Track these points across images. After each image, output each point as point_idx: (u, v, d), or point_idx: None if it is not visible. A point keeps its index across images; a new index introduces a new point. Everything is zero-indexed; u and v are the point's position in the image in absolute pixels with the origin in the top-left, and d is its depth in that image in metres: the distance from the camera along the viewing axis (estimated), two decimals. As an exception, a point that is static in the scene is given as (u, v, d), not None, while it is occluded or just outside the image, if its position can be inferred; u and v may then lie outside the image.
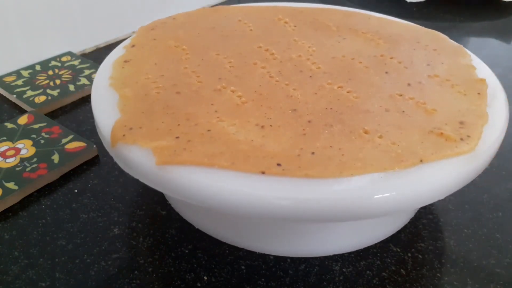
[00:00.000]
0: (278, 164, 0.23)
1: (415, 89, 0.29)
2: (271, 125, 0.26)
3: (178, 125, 0.25)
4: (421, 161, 0.23)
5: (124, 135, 0.25)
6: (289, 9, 0.40)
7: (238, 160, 0.23)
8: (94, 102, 0.28)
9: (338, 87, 0.29)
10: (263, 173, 0.23)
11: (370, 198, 0.22)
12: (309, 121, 0.26)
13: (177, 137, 0.24)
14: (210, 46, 0.34)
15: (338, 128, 0.26)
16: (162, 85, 0.29)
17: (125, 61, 0.31)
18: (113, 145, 0.25)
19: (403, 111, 0.27)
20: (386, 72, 0.31)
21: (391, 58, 0.33)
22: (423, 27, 0.38)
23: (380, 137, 0.25)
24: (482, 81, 0.30)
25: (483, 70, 0.32)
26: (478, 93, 0.29)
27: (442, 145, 0.25)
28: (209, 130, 0.25)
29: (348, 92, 0.29)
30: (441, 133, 0.25)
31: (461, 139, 0.25)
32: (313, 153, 0.24)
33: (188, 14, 0.38)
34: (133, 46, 0.33)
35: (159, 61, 0.31)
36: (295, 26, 0.37)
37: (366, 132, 0.25)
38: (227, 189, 0.22)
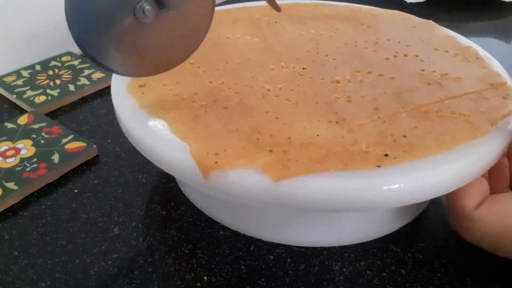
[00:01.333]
0: (386, 155, 0.23)
1: (430, 64, 0.32)
2: (344, 119, 0.26)
3: (257, 139, 0.25)
4: (491, 125, 0.26)
5: (216, 162, 0.23)
6: (261, 8, 0.40)
7: (348, 159, 0.23)
8: (145, 138, 0.26)
9: (368, 73, 0.31)
10: (378, 166, 0.23)
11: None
12: (376, 108, 0.27)
13: (271, 151, 0.24)
14: (212, 56, 0.33)
15: (411, 110, 0.27)
16: (204, 103, 0.28)
17: (140, 86, 0.29)
18: (206, 176, 0.23)
19: (440, 83, 0.29)
20: (396, 53, 0.33)
21: (388, 40, 0.35)
22: (375, 8, 0.41)
23: (451, 112, 0.27)
24: (469, 48, 0.34)
25: (461, 38, 0.36)
26: (477, 58, 0.33)
27: (494, 108, 0.27)
28: (289, 138, 0.25)
29: (380, 76, 0.30)
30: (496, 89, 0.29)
31: (504, 98, 0.28)
32: (404, 136, 0.25)
33: None
34: None
35: (179, 79, 0.30)
36: (275, 22, 0.38)
37: (437, 111, 0.27)
38: (367, 189, 0.22)
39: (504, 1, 0.69)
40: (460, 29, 0.37)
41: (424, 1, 0.67)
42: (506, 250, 0.26)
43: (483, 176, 0.26)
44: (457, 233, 0.28)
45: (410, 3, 0.67)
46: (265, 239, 0.30)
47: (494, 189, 0.27)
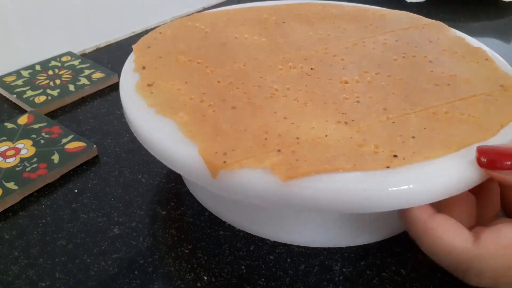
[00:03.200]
0: (395, 156, 0.23)
1: (439, 64, 0.32)
2: (352, 120, 0.26)
3: (266, 139, 0.24)
4: (501, 126, 0.25)
5: (225, 162, 0.23)
6: (269, 8, 0.40)
7: (357, 160, 0.23)
8: (153, 137, 0.26)
9: (377, 74, 0.31)
10: (387, 167, 0.23)
11: None
12: (384, 109, 0.27)
13: (279, 151, 0.24)
14: (220, 55, 0.33)
15: (420, 111, 0.27)
16: (212, 102, 0.28)
17: (149, 85, 0.29)
18: (215, 175, 0.23)
19: (448, 84, 0.29)
20: (404, 53, 0.33)
21: (396, 41, 0.35)
22: (383, 8, 0.40)
23: (460, 113, 0.27)
24: (479, 49, 0.33)
25: (470, 40, 0.36)
26: (486, 59, 0.32)
27: (504, 109, 0.27)
28: (298, 138, 0.25)
29: (389, 76, 0.30)
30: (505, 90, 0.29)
31: None
32: (413, 137, 0.25)
33: (171, 26, 0.37)
34: (143, 68, 0.31)
35: (188, 79, 0.30)
36: (283, 22, 0.38)
37: (446, 112, 0.27)
38: (376, 190, 0.22)
39: (504, 1, 0.69)
40: (460, 29, 0.37)
41: (423, 1, 0.67)
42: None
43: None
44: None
45: (410, 3, 0.67)
46: (271, 239, 0.30)
47: (482, 217, 0.26)
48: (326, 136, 0.25)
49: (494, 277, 0.23)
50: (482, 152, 0.23)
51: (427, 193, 0.23)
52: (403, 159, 0.23)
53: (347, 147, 0.24)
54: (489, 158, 0.23)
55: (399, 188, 0.22)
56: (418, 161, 0.23)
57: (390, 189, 0.22)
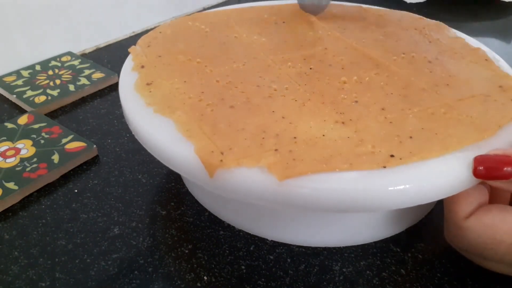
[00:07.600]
0: (392, 156, 0.23)
1: (438, 65, 0.32)
2: (350, 119, 0.26)
3: (263, 138, 0.25)
4: (499, 126, 0.25)
5: (221, 161, 0.23)
6: (269, 8, 0.40)
7: (354, 160, 0.23)
8: (151, 136, 0.26)
9: (375, 74, 0.30)
10: (384, 167, 0.23)
11: None
12: (382, 109, 0.27)
13: (276, 150, 0.24)
14: (220, 55, 0.33)
15: (418, 111, 0.27)
16: (210, 102, 0.28)
17: (148, 84, 0.29)
18: (212, 174, 0.23)
19: (447, 85, 0.29)
20: (403, 54, 0.33)
21: (396, 41, 0.35)
22: (383, 8, 0.41)
23: (458, 113, 0.27)
24: (478, 49, 0.34)
25: (470, 40, 0.36)
26: (485, 60, 0.32)
27: (502, 110, 0.27)
28: (295, 137, 0.25)
29: (387, 77, 0.30)
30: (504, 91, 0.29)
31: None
32: (411, 137, 0.25)
33: (171, 25, 0.37)
34: (142, 67, 0.31)
35: (186, 78, 0.30)
36: (283, 22, 0.38)
37: (445, 112, 0.27)
38: (372, 189, 0.22)
39: (504, 1, 0.69)
40: (460, 29, 0.37)
41: (424, 1, 0.67)
42: (491, 262, 0.26)
43: (485, 186, 0.26)
44: (447, 239, 0.28)
45: (410, 3, 0.67)
46: (271, 238, 0.30)
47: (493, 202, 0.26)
48: (324, 135, 0.25)
49: (469, 246, 0.25)
50: (479, 161, 0.23)
51: (423, 193, 0.23)
52: (400, 159, 0.23)
53: (344, 147, 0.24)
54: (485, 166, 0.23)
55: (395, 188, 0.22)
56: (415, 161, 0.23)
57: (386, 189, 0.22)
